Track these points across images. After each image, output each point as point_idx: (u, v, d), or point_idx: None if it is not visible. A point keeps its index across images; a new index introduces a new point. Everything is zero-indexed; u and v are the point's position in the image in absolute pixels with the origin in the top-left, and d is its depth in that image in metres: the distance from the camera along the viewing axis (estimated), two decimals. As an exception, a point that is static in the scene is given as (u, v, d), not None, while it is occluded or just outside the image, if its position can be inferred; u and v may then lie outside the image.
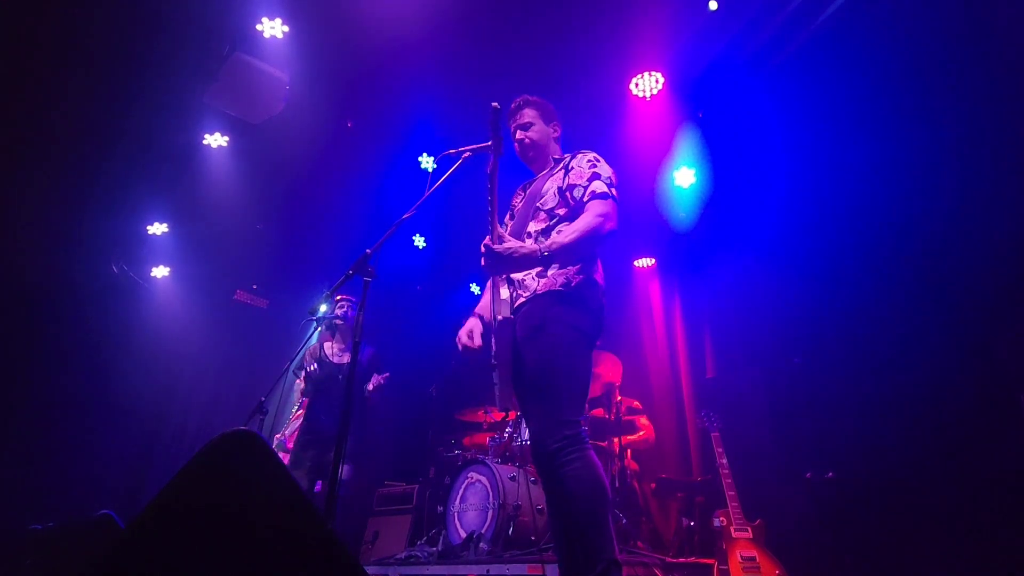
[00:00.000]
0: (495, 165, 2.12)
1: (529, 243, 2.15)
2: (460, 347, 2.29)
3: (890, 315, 3.60)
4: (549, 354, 2.04)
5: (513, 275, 2.23)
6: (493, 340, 2.16)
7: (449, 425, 5.52)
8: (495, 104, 2.02)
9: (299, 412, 4.73)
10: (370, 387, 4.12)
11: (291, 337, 5.65)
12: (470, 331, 2.30)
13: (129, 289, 6.09)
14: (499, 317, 2.09)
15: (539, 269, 2.18)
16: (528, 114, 2.47)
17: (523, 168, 2.57)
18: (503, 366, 2.09)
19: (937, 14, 3.53)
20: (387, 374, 4.19)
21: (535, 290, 2.17)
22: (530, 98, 2.51)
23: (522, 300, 2.18)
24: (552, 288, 2.14)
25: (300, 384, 4.30)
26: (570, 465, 1.92)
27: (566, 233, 2.11)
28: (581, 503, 1.90)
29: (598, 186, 2.21)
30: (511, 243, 2.09)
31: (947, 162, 3.44)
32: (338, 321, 4.20)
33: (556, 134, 2.53)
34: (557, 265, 2.16)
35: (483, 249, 2.08)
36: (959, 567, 2.90)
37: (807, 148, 4.33)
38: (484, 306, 2.39)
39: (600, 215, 2.13)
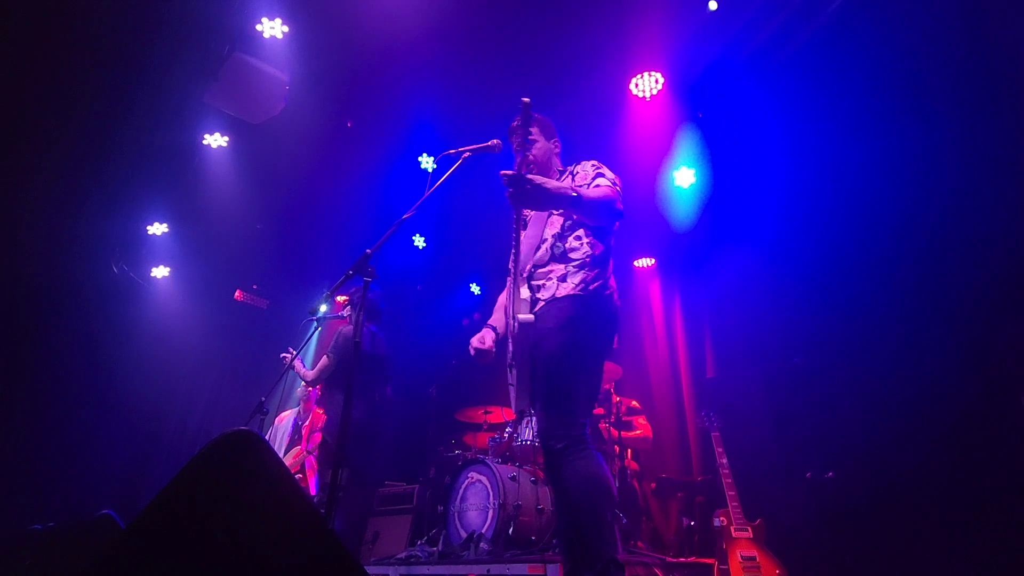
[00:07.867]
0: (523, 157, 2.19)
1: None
2: (472, 351, 2.32)
3: (890, 315, 3.60)
4: (564, 357, 2.08)
5: (533, 281, 2.26)
6: (511, 341, 2.17)
7: (449, 425, 5.51)
8: (526, 100, 2.07)
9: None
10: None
11: (291, 337, 5.65)
12: (482, 338, 2.34)
13: (129, 289, 6.09)
14: (519, 318, 2.10)
15: (560, 274, 2.22)
16: (531, 131, 2.49)
17: None
18: (521, 367, 2.10)
19: (935, 13, 3.53)
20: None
21: (554, 293, 2.21)
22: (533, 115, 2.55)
23: (541, 303, 2.22)
24: (571, 292, 2.18)
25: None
26: (573, 464, 1.95)
27: (593, 189, 2.20)
28: (583, 502, 1.91)
29: (602, 181, 2.29)
30: (539, 177, 2.10)
31: (946, 161, 3.43)
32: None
33: (557, 149, 2.57)
34: (575, 267, 2.22)
35: (506, 178, 2.00)
36: (959, 567, 2.90)
37: (807, 148, 4.33)
38: (498, 319, 2.43)
39: (611, 188, 2.24)
